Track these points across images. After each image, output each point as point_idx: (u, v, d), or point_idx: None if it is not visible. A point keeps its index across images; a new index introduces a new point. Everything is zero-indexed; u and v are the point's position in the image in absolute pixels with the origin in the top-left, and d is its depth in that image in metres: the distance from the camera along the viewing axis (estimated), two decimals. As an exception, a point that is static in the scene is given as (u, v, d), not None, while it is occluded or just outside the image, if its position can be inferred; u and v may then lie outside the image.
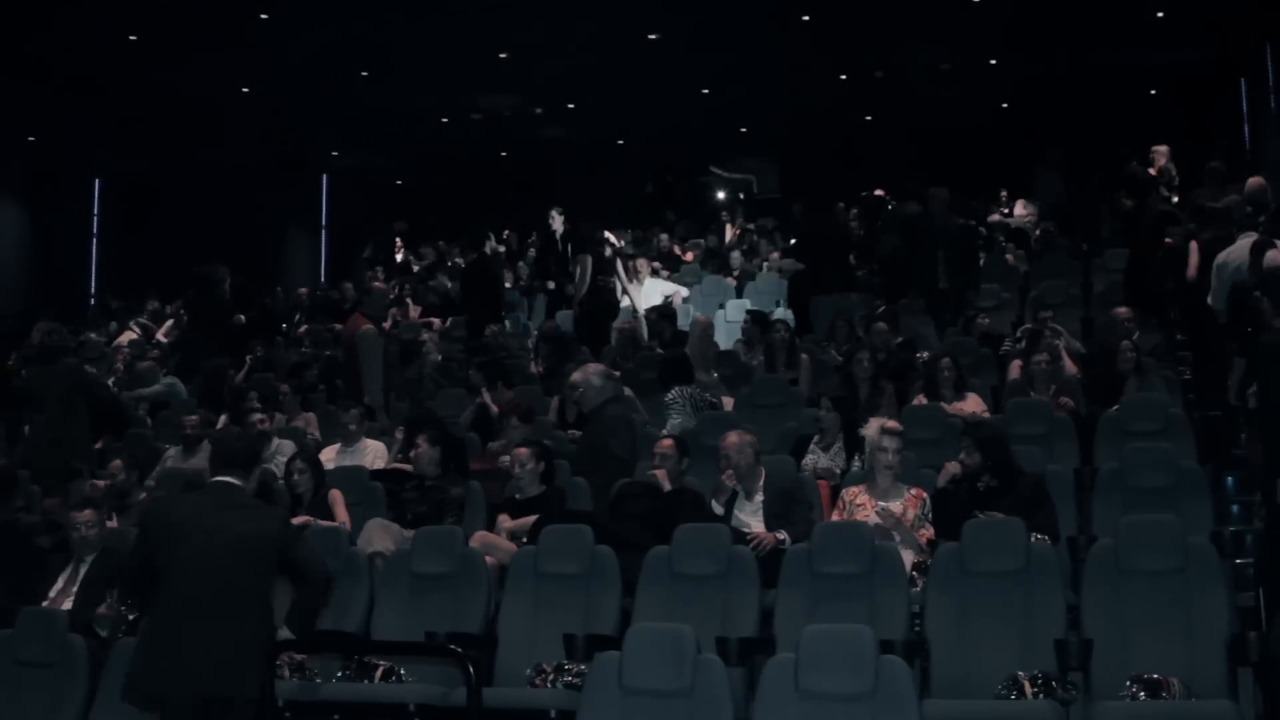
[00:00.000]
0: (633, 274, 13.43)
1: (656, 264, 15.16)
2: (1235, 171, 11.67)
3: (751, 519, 6.16)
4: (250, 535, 4.57)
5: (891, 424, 6.28)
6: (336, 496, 6.94)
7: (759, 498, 6.23)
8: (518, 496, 6.74)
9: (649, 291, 13.39)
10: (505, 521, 6.55)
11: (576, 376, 7.71)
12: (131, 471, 8.12)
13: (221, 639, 4.43)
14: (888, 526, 5.82)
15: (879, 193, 16.04)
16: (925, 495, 6.02)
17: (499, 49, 15.48)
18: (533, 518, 6.35)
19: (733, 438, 6.34)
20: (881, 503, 5.97)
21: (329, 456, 7.87)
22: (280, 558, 4.64)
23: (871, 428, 6.20)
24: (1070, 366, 8.83)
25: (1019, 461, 6.15)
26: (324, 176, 21.90)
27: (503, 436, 7.88)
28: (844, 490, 6.21)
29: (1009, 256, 13.61)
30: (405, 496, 6.91)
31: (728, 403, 8.96)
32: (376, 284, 10.09)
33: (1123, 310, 9.71)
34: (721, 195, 21.82)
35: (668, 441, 6.80)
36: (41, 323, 10.16)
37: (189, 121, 16.67)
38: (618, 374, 10.10)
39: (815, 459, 7.28)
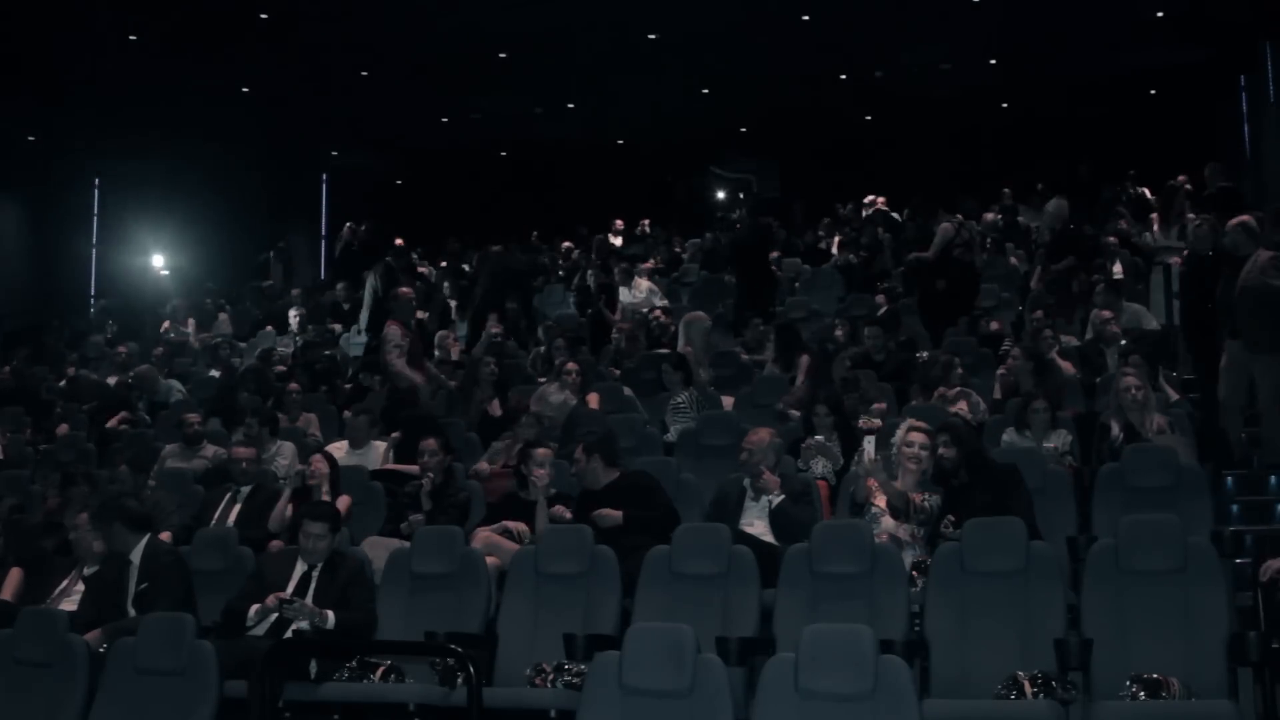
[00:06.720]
0: (631, 275, 13.46)
1: (650, 265, 15.16)
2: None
3: (756, 519, 6.16)
4: None
5: (919, 422, 6.28)
6: (345, 503, 6.91)
7: (766, 498, 6.22)
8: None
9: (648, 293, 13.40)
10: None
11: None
12: (140, 475, 8.09)
13: None
14: (898, 505, 5.78)
15: (880, 202, 15.98)
16: (925, 496, 5.99)
17: (499, 49, 15.48)
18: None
19: (764, 434, 6.35)
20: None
21: (336, 455, 7.84)
22: None
23: (901, 427, 6.20)
24: (1066, 367, 8.82)
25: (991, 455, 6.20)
26: (324, 176, 21.88)
27: (514, 434, 7.82)
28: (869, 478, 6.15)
29: (1012, 258, 13.57)
30: (405, 503, 6.88)
31: (727, 402, 8.95)
32: (402, 290, 10.25)
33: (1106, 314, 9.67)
34: (721, 195, 21.82)
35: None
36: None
37: (189, 122, 16.67)
38: (618, 373, 10.12)
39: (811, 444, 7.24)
